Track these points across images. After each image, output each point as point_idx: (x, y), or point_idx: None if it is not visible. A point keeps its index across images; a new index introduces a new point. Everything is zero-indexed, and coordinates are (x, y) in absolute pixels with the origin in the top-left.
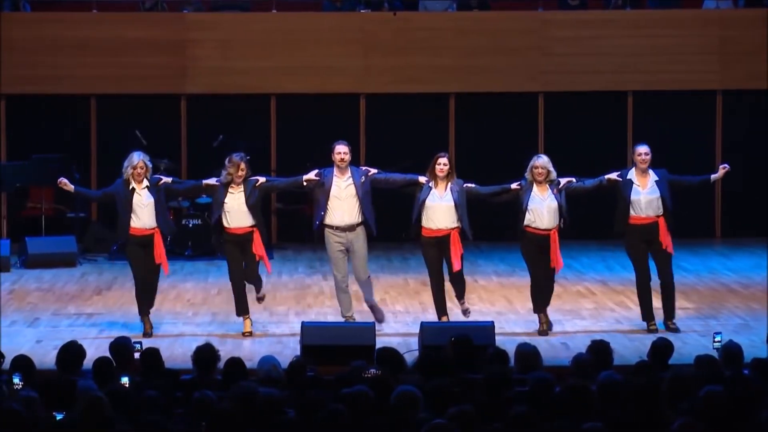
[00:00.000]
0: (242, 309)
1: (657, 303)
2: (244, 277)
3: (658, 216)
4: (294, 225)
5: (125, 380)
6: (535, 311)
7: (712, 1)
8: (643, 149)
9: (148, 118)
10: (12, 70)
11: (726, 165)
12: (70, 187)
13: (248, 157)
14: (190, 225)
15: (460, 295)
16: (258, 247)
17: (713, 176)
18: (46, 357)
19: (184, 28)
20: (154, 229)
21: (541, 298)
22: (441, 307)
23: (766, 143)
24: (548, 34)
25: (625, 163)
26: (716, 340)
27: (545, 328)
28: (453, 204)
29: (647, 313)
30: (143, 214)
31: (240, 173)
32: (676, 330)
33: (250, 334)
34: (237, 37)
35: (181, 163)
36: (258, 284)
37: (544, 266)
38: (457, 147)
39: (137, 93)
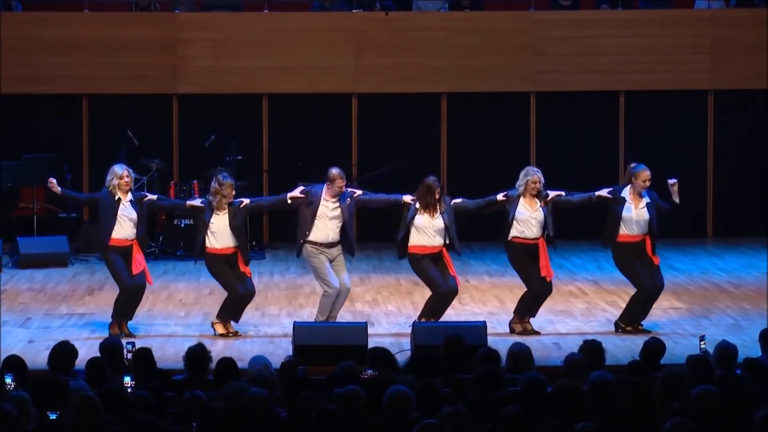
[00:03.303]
0: (227, 316)
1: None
2: (243, 292)
3: (645, 234)
4: (285, 225)
5: (127, 380)
6: (515, 312)
7: (704, 1)
8: (647, 174)
9: (140, 118)
10: (3, 69)
11: (673, 179)
12: (58, 189)
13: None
14: (182, 225)
15: (438, 316)
16: (244, 268)
17: (674, 198)
18: (38, 357)
19: (176, 28)
20: (132, 240)
21: (532, 304)
22: (436, 312)
23: (758, 143)
24: (540, 34)
25: (616, 164)
26: (702, 342)
27: (521, 329)
28: (443, 225)
29: (634, 316)
30: (127, 226)
31: (232, 193)
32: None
33: (226, 334)
34: (229, 36)
35: (173, 163)
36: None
37: (538, 273)
38: (449, 147)
39: (129, 93)
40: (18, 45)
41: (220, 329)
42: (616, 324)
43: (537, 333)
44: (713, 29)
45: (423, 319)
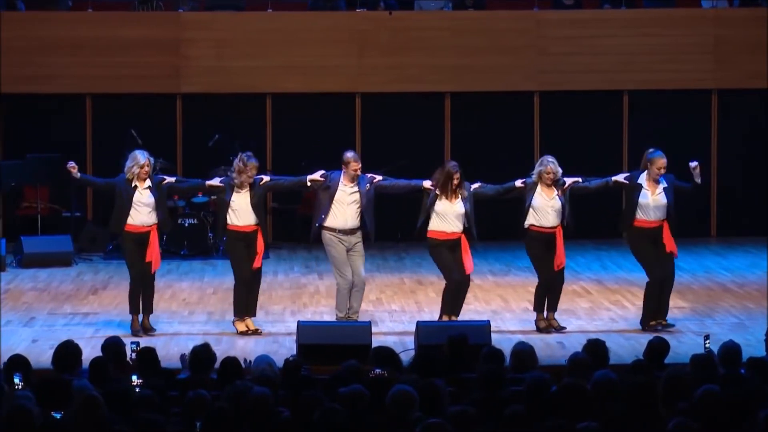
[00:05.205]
0: (240, 311)
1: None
2: (250, 278)
3: (662, 220)
4: (289, 224)
5: (134, 378)
6: (534, 309)
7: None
8: (663, 162)
9: (144, 118)
10: (7, 69)
11: (695, 162)
12: (77, 174)
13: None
14: (186, 224)
15: (456, 310)
16: (259, 245)
17: (696, 179)
18: (41, 356)
19: (179, 28)
20: (150, 227)
21: (546, 297)
22: (454, 307)
23: (761, 142)
24: (544, 33)
25: (619, 163)
26: (707, 342)
27: (545, 325)
28: (463, 211)
29: (653, 313)
30: (143, 212)
31: (255, 174)
32: (663, 328)
33: (246, 332)
34: (232, 36)
35: (176, 162)
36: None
37: (551, 265)
38: (452, 147)
39: (133, 92)
40: (21, 45)
41: (240, 327)
42: (642, 324)
43: (563, 328)
44: (716, 28)
45: (445, 318)
